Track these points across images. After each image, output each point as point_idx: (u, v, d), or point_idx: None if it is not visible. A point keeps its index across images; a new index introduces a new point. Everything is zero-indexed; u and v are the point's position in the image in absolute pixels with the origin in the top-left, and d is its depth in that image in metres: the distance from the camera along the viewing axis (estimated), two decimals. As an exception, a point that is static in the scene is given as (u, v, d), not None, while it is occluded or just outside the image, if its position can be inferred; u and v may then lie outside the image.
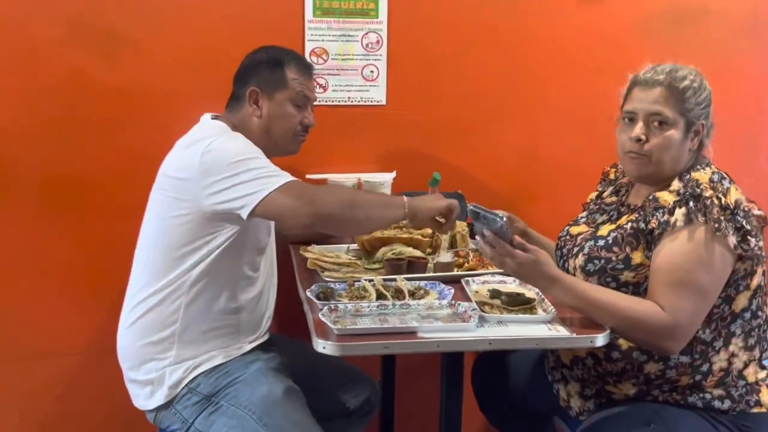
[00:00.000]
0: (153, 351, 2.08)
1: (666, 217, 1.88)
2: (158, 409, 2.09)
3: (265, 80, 2.16)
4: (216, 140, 2.00)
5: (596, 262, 1.98)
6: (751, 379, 2.00)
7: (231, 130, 2.11)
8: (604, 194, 2.20)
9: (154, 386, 2.08)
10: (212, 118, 2.18)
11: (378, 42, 2.64)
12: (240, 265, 2.12)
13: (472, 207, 1.92)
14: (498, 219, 1.83)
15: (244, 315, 2.16)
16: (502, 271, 1.92)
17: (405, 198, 2.05)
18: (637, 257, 1.93)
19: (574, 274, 2.02)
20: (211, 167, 1.96)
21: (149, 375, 2.08)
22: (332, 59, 2.62)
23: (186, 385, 2.06)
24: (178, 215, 2.03)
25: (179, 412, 2.07)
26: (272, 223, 2.23)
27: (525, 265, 1.82)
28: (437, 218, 2.06)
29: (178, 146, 2.11)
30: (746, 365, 1.99)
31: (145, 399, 2.10)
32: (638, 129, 1.97)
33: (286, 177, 1.95)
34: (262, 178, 1.93)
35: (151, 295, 2.08)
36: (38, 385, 2.65)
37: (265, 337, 2.24)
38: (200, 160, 1.96)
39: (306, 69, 2.21)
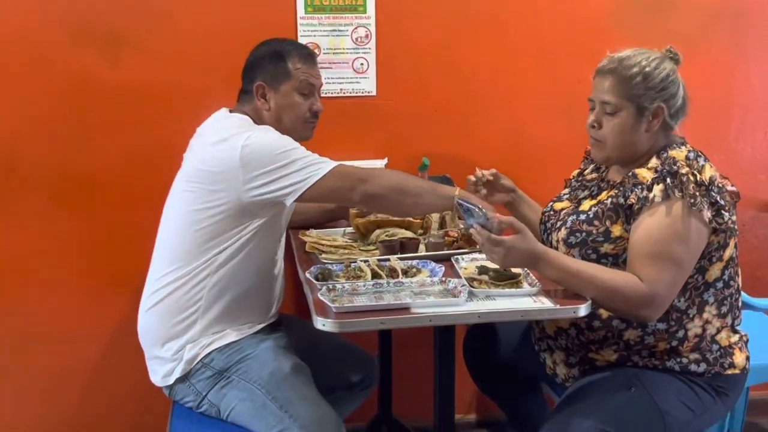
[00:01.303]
0: (177, 329, 2.10)
1: (645, 192, 1.90)
2: (174, 383, 2.12)
3: (269, 74, 2.15)
4: (254, 134, 2.00)
5: (578, 235, 2.00)
6: (724, 343, 2.04)
7: (252, 123, 2.11)
8: (586, 171, 2.21)
9: (173, 364, 2.11)
10: (230, 112, 2.17)
11: (367, 36, 2.65)
12: (264, 250, 2.15)
13: (458, 201, 1.97)
14: (478, 211, 1.87)
15: (262, 297, 2.20)
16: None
17: (457, 190, 2.09)
18: (616, 230, 1.96)
19: (557, 247, 2.05)
20: (253, 160, 1.96)
21: (171, 352, 2.10)
22: (324, 53, 2.63)
23: (200, 360, 2.09)
24: (211, 206, 2.03)
25: (194, 386, 2.10)
26: (291, 210, 2.24)
27: (512, 249, 1.84)
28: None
29: (206, 141, 2.09)
30: (719, 331, 2.03)
31: (165, 375, 2.13)
32: (592, 116, 2.02)
33: (332, 162, 1.98)
34: (309, 166, 1.96)
35: (176, 278, 2.09)
36: (58, 369, 2.68)
37: (275, 318, 2.27)
38: (240, 154, 1.96)
39: (308, 57, 2.20)
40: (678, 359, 2.01)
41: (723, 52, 2.85)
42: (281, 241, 2.25)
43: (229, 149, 1.98)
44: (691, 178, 1.89)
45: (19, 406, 2.68)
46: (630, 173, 1.98)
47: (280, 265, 2.27)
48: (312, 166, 1.96)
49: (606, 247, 1.96)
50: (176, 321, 2.10)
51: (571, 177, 2.27)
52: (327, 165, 1.98)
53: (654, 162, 1.96)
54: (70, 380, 2.70)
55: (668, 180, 1.88)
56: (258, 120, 2.15)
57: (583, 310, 1.83)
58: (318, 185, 1.95)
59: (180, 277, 2.09)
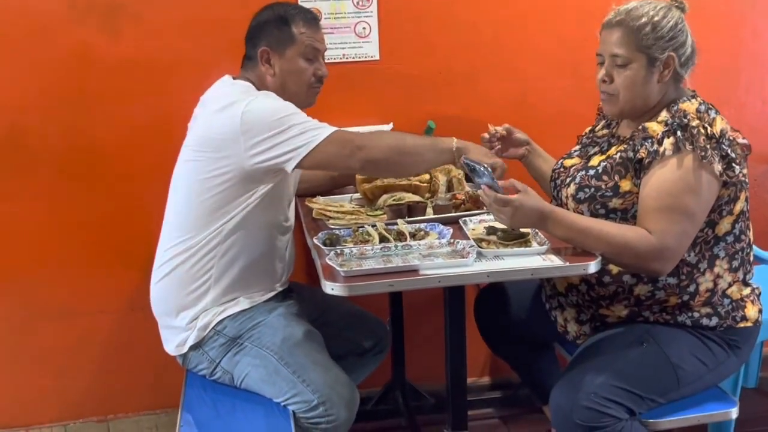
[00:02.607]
0: (190, 299, 2.11)
1: (655, 146, 1.89)
2: (188, 351, 2.14)
3: (274, 39, 2.13)
4: (254, 100, 1.99)
5: (586, 190, 1.99)
6: (735, 296, 2.03)
7: (255, 89, 2.10)
8: (597, 128, 2.20)
9: (189, 331, 2.12)
10: (233, 79, 2.15)
11: None
12: (274, 215, 2.15)
13: (464, 160, 1.97)
14: (483, 170, 1.86)
15: (272, 264, 2.20)
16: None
17: (454, 140, 2.09)
18: (625, 185, 1.95)
19: (567, 204, 2.04)
20: (253, 127, 1.95)
21: (186, 321, 2.11)
22: (325, 18, 2.60)
23: (213, 327, 2.10)
24: (217, 174, 2.02)
25: (207, 353, 2.11)
26: (298, 176, 2.24)
27: (520, 208, 1.83)
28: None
29: (209, 109, 2.08)
30: (730, 285, 2.02)
31: (179, 344, 2.14)
32: (602, 71, 2.00)
33: (330, 128, 1.97)
34: (307, 131, 1.94)
35: (186, 248, 2.09)
36: (72, 342, 2.70)
37: (286, 285, 2.27)
38: (241, 120, 1.95)
39: (312, 21, 2.18)
40: (689, 313, 2.00)
41: (730, 3, 2.81)
42: (290, 208, 2.25)
43: (230, 116, 1.97)
44: (702, 130, 1.87)
45: (36, 380, 2.71)
46: (640, 127, 1.97)
47: (290, 232, 2.27)
48: (310, 132, 1.95)
49: (615, 202, 1.95)
50: (189, 290, 2.11)
51: (583, 134, 2.25)
52: (325, 130, 1.96)
53: (664, 115, 1.95)
54: (84, 353, 2.72)
55: (679, 133, 1.87)
56: (262, 86, 2.13)
57: (592, 266, 1.82)
58: (317, 151, 1.94)
59: (190, 247, 2.09)
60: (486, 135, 2.23)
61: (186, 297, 2.11)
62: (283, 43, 2.13)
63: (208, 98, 2.13)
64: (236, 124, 1.95)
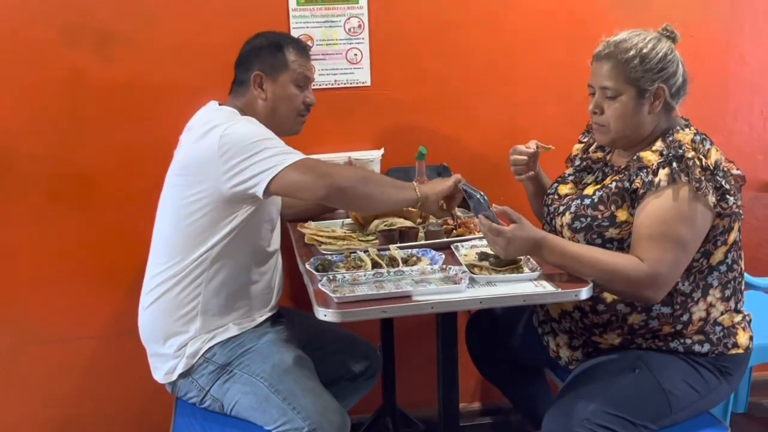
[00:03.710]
0: (178, 325, 2.09)
1: (650, 177, 1.89)
2: (177, 379, 2.12)
3: (267, 64, 2.15)
4: (233, 124, 2.00)
5: (583, 219, 1.99)
6: (727, 323, 2.03)
7: (240, 115, 2.10)
8: (590, 149, 2.19)
9: (177, 359, 2.10)
10: (219, 105, 2.16)
11: (360, 26, 2.63)
12: (257, 241, 2.14)
13: (462, 187, 1.99)
14: (480, 198, 1.87)
15: (260, 289, 2.19)
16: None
17: (415, 184, 2.10)
18: (621, 215, 1.95)
19: (561, 232, 2.04)
20: (230, 149, 1.95)
21: (174, 348, 2.10)
22: (317, 45, 2.61)
23: (202, 355, 2.08)
24: (198, 199, 2.02)
25: (196, 381, 2.09)
26: (279, 201, 2.24)
27: (513, 240, 1.84)
28: (442, 203, 2.12)
29: (193, 134, 2.08)
30: (722, 314, 2.02)
31: (168, 372, 2.12)
32: (593, 102, 2.01)
33: (299, 155, 1.96)
34: (276, 156, 1.94)
35: (173, 275, 2.09)
36: (59, 367, 2.67)
37: (275, 310, 2.26)
38: (219, 144, 1.96)
39: (303, 50, 2.22)
40: (682, 340, 2.00)
41: (718, 31, 2.84)
42: (275, 234, 2.24)
43: (210, 140, 1.98)
44: (697, 162, 1.87)
45: (22, 406, 2.68)
46: (635, 157, 1.97)
47: (277, 257, 2.27)
48: (279, 156, 1.94)
49: (611, 232, 1.95)
50: (176, 317, 2.09)
51: (574, 154, 2.24)
52: (294, 156, 1.95)
53: (659, 145, 1.95)
54: (71, 378, 2.69)
55: (674, 164, 1.87)
56: (249, 112, 2.14)
57: (584, 293, 1.82)
58: (283, 175, 1.92)
59: (176, 273, 2.08)
60: (523, 156, 2.18)
61: (174, 324, 2.09)
62: (277, 69, 2.15)
63: (193, 124, 2.13)
64: (214, 148, 1.96)
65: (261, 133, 1.99)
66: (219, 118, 2.05)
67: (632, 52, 1.94)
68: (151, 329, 2.15)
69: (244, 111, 2.13)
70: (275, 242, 2.25)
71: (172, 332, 2.10)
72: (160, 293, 2.10)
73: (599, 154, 2.16)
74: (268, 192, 1.94)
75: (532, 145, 2.17)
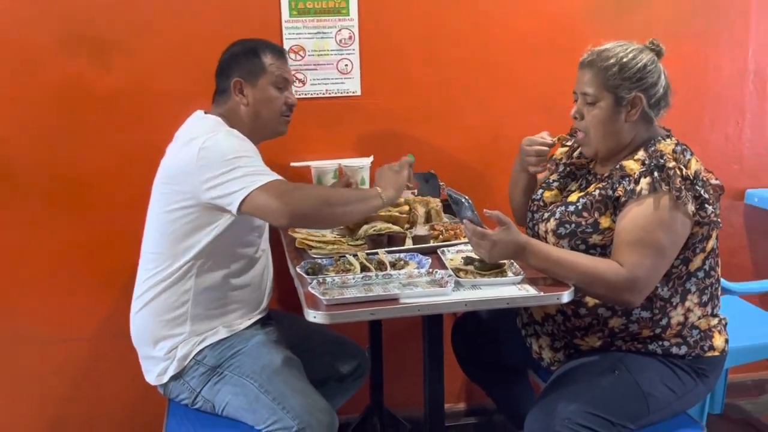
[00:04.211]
0: (167, 329, 2.09)
1: (632, 185, 1.91)
2: (168, 381, 2.11)
3: (246, 70, 2.15)
4: (211, 137, 1.99)
5: (567, 226, 2.00)
6: (703, 327, 2.04)
7: (225, 124, 2.11)
8: (575, 153, 2.20)
9: (168, 361, 2.10)
10: (207, 114, 2.16)
11: (350, 38, 2.64)
12: (244, 247, 2.13)
13: (448, 192, 1.99)
14: (465, 203, 1.88)
15: (249, 293, 2.18)
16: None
17: (378, 189, 2.07)
18: (604, 222, 1.96)
19: (546, 238, 2.05)
20: (207, 163, 1.95)
21: (164, 351, 2.10)
22: (309, 55, 2.62)
23: (193, 357, 2.08)
24: (181, 206, 2.03)
25: (187, 383, 2.09)
26: None
27: (498, 243, 1.84)
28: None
29: (177, 143, 2.09)
30: (700, 318, 2.03)
31: (159, 374, 2.12)
32: (575, 108, 2.03)
33: (270, 176, 1.93)
34: (248, 176, 1.92)
35: (162, 279, 2.09)
36: (54, 368, 2.66)
37: (265, 313, 2.26)
38: (197, 156, 1.96)
39: (280, 53, 2.21)
40: (660, 343, 2.01)
41: (695, 45, 2.86)
42: (263, 239, 2.23)
43: (190, 150, 1.98)
44: (678, 172, 1.89)
45: (15, 406, 2.66)
46: (618, 165, 1.98)
47: (266, 261, 2.26)
48: (250, 177, 1.91)
49: (595, 238, 1.96)
50: (166, 321, 2.09)
51: (559, 158, 2.24)
52: (264, 177, 1.91)
53: (641, 154, 1.97)
54: (65, 379, 2.68)
55: (656, 173, 1.88)
56: (234, 118, 2.14)
57: (566, 296, 1.83)
58: (252, 198, 1.90)
59: (165, 278, 2.08)
60: (543, 146, 2.15)
61: (164, 328, 2.09)
62: (255, 74, 2.15)
63: (178, 134, 2.13)
64: (193, 160, 1.96)
65: (238, 150, 1.98)
66: (201, 128, 2.06)
67: (612, 61, 1.95)
68: (141, 333, 2.15)
69: (228, 118, 2.13)
70: (264, 247, 2.25)
71: (162, 336, 2.09)
72: (150, 298, 2.10)
73: (583, 160, 2.17)
74: (240, 211, 1.93)
75: (546, 137, 2.15)
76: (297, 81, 2.62)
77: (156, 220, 2.11)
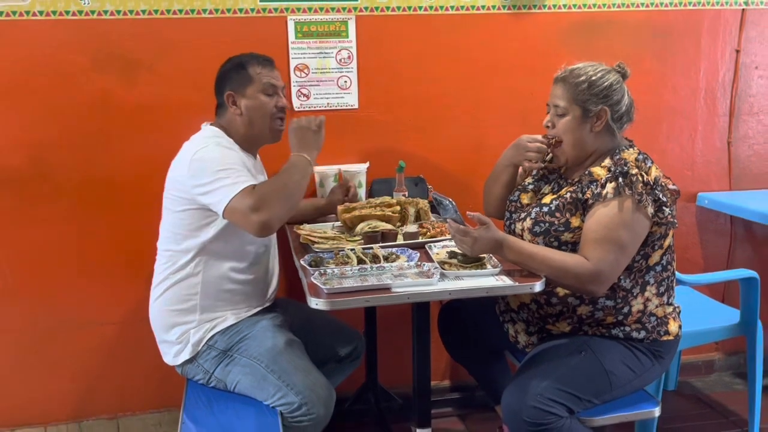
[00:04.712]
0: (179, 317, 2.08)
1: (599, 189, 1.90)
2: (184, 363, 2.10)
3: (236, 83, 2.12)
4: (204, 148, 1.98)
5: (542, 224, 2.00)
6: (660, 314, 2.04)
7: (223, 134, 2.09)
8: (546, 158, 2.17)
9: (181, 345, 2.09)
10: (210, 125, 2.15)
11: (349, 57, 2.63)
12: (247, 244, 2.11)
13: (434, 195, 1.97)
14: (448, 204, 1.87)
15: (254, 285, 2.17)
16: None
17: (305, 157, 2.01)
18: (575, 221, 1.95)
19: (522, 235, 2.04)
20: (196, 172, 1.96)
21: (177, 336, 2.09)
22: (312, 73, 2.61)
23: (206, 342, 2.07)
24: (183, 209, 2.02)
25: (201, 365, 2.08)
26: None
27: (479, 239, 1.85)
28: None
29: (179, 154, 2.08)
30: (657, 306, 2.03)
31: (174, 356, 2.11)
32: (547, 117, 2.03)
33: (245, 183, 1.90)
34: (227, 187, 1.90)
35: (173, 273, 2.08)
36: (87, 349, 2.64)
37: (271, 302, 2.24)
38: (189, 165, 1.97)
39: (266, 62, 2.14)
40: (622, 328, 2.01)
41: (653, 65, 2.85)
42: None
43: (184, 160, 1.99)
44: (640, 178, 1.89)
45: (54, 382, 2.65)
46: (586, 171, 1.98)
47: (271, 256, 2.23)
48: (230, 187, 1.89)
49: (566, 236, 1.96)
50: (178, 311, 2.08)
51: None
52: (237, 186, 1.88)
53: (607, 162, 1.96)
54: (97, 358, 2.66)
55: (620, 179, 1.88)
56: (232, 128, 2.12)
57: (538, 286, 1.83)
58: (230, 208, 1.88)
59: (174, 272, 2.08)
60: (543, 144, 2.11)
61: (176, 316, 2.08)
62: (244, 85, 2.11)
63: (183, 145, 2.12)
64: (185, 167, 1.97)
65: (224, 162, 1.95)
66: (197, 141, 2.05)
67: (582, 78, 1.95)
68: (157, 320, 2.14)
69: (226, 129, 2.12)
70: (269, 243, 2.22)
71: (174, 323, 2.09)
72: (163, 290, 2.10)
73: (555, 164, 2.15)
74: (224, 218, 1.93)
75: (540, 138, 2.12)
76: (302, 95, 2.60)
77: (167, 220, 2.11)
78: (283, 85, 2.18)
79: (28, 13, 2.40)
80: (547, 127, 2.02)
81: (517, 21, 2.72)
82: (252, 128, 2.12)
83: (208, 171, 1.93)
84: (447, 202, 1.89)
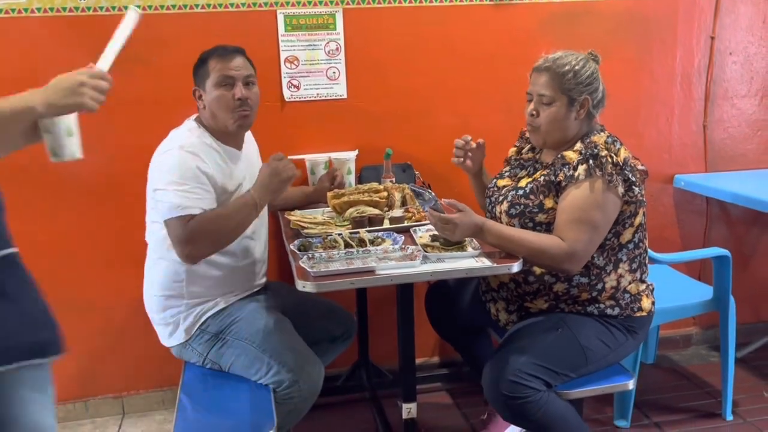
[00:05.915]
0: (168, 301, 2.10)
1: (571, 171, 1.91)
2: (179, 347, 2.13)
3: (199, 78, 2.11)
4: (166, 153, 2.00)
5: (517, 207, 2.01)
6: (633, 291, 2.06)
7: (201, 129, 2.09)
8: (523, 151, 2.20)
9: (172, 327, 2.11)
10: (192, 119, 2.15)
11: (337, 49, 2.63)
12: None
13: (411, 187, 1.99)
14: (428, 195, 1.89)
15: (244, 271, 2.17)
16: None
17: (255, 197, 1.97)
18: (548, 203, 1.97)
19: (500, 218, 2.05)
20: (152, 172, 2.01)
21: (168, 319, 2.11)
22: (302, 65, 2.61)
23: (198, 327, 2.09)
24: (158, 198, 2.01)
25: (195, 349, 2.10)
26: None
27: (460, 225, 1.86)
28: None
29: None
30: (630, 283, 2.05)
31: (168, 338, 2.13)
32: (531, 106, 2.02)
33: (184, 210, 1.90)
34: (171, 203, 1.92)
35: (158, 259, 2.10)
36: (93, 331, 2.67)
37: (261, 286, 2.25)
38: (152, 162, 2.02)
39: (224, 53, 2.07)
40: (597, 305, 2.03)
41: (631, 52, 2.85)
42: (258, 220, 2.13)
43: (153, 157, 2.05)
44: (609, 159, 1.89)
45: (62, 363, 2.63)
46: (559, 155, 1.99)
47: (260, 242, 2.22)
48: (174, 208, 1.91)
49: (540, 217, 1.97)
50: (166, 296, 2.10)
51: (510, 156, 2.25)
52: (179, 210, 1.90)
53: (579, 146, 1.97)
54: (102, 340, 2.69)
55: (591, 161, 1.89)
56: (204, 122, 2.12)
57: (515, 267, 1.85)
58: (167, 222, 1.92)
59: (158, 260, 2.09)
60: (460, 141, 2.18)
61: (165, 301, 2.10)
62: (203, 79, 2.09)
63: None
64: (151, 165, 2.03)
65: (180, 174, 1.94)
66: (170, 140, 2.06)
67: (567, 68, 1.95)
68: (149, 304, 2.17)
69: (201, 122, 2.12)
70: (258, 230, 2.21)
71: (165, 306, 2.11)
72: (153, 276, 2.13)
73: (530, 155, 2.18)
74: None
75: (468, 138, 2.18)
76: (293, 86, 2.61)
77: (149, 210, 2.12)
78: (247, 74, 2.08)
79: (26, 10, 2.40)
80: (531, 115, 2.02)
81: (499, 12, 2.72)
82: (216, 121, 2.08)
83: (163, 178, 1.96)
84: (426, 193, 1.91)
